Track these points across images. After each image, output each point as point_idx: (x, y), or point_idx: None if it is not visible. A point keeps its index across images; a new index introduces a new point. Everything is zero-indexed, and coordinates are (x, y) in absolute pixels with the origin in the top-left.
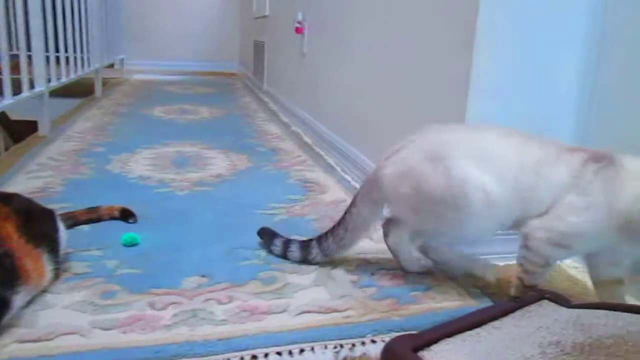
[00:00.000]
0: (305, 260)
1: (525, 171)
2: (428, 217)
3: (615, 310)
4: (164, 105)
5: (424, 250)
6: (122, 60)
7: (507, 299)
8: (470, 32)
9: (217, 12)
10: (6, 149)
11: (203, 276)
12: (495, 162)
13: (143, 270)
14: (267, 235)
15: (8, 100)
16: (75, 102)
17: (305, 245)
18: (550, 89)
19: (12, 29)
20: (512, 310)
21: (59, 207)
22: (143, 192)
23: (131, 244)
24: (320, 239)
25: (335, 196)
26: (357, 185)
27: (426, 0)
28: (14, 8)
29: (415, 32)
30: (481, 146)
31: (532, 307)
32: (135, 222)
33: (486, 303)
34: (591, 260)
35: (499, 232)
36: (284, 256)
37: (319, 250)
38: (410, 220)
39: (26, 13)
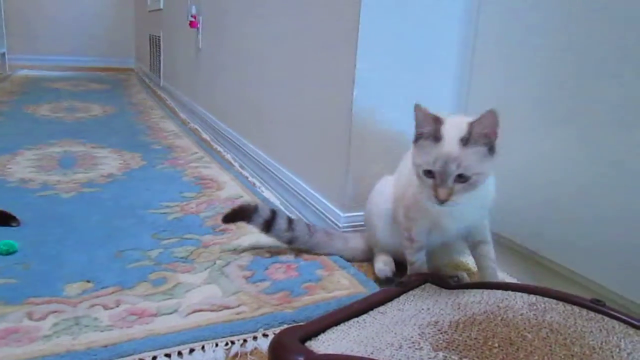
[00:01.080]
0: None
1: (397, 172)
2: None
3: (488, 288)
4: (51, 103)
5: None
6: (2, 55)
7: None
8: (354, 19)
9: (109, 3)
10: None
11: (88, 281)
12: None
13: (20, 279)
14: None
15: None
16: None
17: None
18: (433, 66)
19: None
20: (397, 295)
21: None
22: (24, 196)
23: (7, 252)
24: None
25: (231, 192)
26: (255, 181)
27: None
28: None
29: (305, 28)
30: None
31: (416, 290)
32: (18, 225)
33: (374, 290)
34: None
35: None
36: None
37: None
38: None
39: None
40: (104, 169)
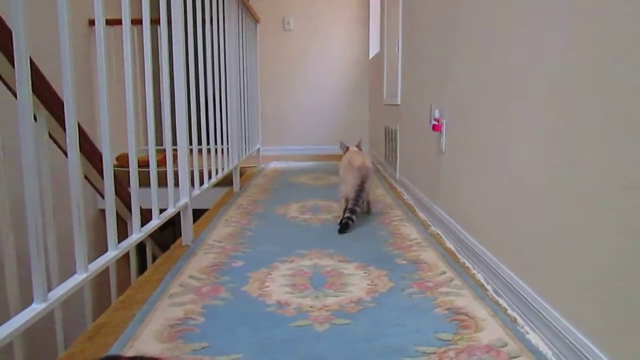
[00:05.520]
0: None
1: None
2: None
3: None
4: (298, 201)
5: None
6: (257, 150)
7: None
8: None
9: (347, 96)
10: (154, 257)
11: None
12: None
13: None
14: None
15: (155, 221)
16: (215, 191)
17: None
18: None
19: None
20: None
21: (199, 348)
22: (280, 326)
23: None
24: None
25: (492, 336)
26: (515, 315)
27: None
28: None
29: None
30: None
31: None
32: None
33: None
34: None
35: None
36: None
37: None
38: None
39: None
40: (352, 291)
